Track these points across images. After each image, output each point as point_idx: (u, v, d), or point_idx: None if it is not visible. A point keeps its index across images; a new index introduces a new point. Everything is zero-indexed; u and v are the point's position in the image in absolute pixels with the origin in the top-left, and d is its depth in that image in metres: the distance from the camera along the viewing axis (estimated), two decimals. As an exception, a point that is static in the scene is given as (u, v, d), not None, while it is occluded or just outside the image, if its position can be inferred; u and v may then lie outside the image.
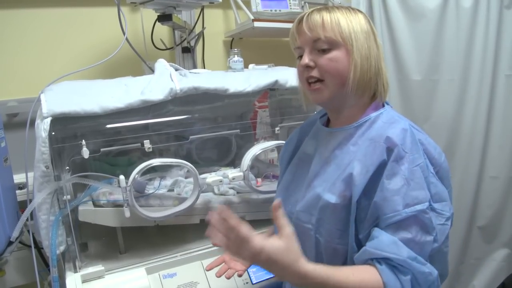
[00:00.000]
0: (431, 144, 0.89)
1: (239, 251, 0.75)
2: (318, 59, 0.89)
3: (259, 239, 0.74)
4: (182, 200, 1.28)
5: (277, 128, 1.46)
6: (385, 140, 0.84)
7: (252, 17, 1.80)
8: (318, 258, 0.89)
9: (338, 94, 0.90)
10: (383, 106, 0.95)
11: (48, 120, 1.09)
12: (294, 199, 0.99)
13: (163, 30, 1.88)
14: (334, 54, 0.88)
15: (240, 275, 1.18)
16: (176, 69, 1.42)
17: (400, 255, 0.76)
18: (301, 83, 0.96)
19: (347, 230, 0.85)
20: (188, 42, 1.87)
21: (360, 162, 0.85)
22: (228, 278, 1.16)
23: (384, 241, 0.78)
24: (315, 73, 0.90)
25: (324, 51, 0.89)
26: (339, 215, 0.86)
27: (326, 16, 0.88)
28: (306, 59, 0.90)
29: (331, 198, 0.87)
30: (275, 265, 0.74)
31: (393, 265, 0.77)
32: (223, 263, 1.22)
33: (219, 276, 1.17)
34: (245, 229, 0.74)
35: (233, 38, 2.06)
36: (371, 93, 0.93)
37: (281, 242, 0.75)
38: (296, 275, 0.75)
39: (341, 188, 0.86)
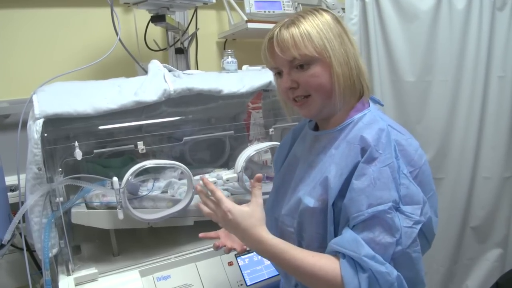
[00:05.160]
0: (411, 146, 0.86)
1: (216, 212, 0.89)
2: (299, 77, 0.87)
3: (230, 202, 0.87)
4: (175, 202, 1.27)
5: (271, 130, 1.45)
6: (359, 140, 0.83)
7: (245, 18, 1.80)
8: None
9: (326, 105, 0.89)
10: (369, 105, 0.93)
11: (41, 121, 1.09)
12: (282, 202, 0.99)
13: (156, 31, 1.88)
14: (314, 70, 0.86)
15: (240, 252, 1.10)
16: (170, 70, 1.41)
17: (357, 252, 0.76)
18: (288, 102, 0.94)
19: (326, 233, 0.85)
20: (182, 43, 1.87)
21: (336, 165, 0.85)
22: (227, 253, 1.09)
23: (345, 238, 0.79)
24: (299, 92, 0.89)
25: (303, 68, 0.87)
26: (317, 219, 0.86)
27: (296, 32, 0.85)
28: (288, 82, 0.89)
29: (310, 201, 0.86)
30: (238, 227, 0.85)
31: (355, 261, 0.76)
32: (218, 239, 1.11)
33: (217, 249, 1.07)
34: (220, 193, 0.88)
35: (226, 39, 2.06)
36: (357, 94, 0.92)
37: (247, 208, 0.87)
38: (253, 238, 0.84)
39: (319, 192, 0.86)
